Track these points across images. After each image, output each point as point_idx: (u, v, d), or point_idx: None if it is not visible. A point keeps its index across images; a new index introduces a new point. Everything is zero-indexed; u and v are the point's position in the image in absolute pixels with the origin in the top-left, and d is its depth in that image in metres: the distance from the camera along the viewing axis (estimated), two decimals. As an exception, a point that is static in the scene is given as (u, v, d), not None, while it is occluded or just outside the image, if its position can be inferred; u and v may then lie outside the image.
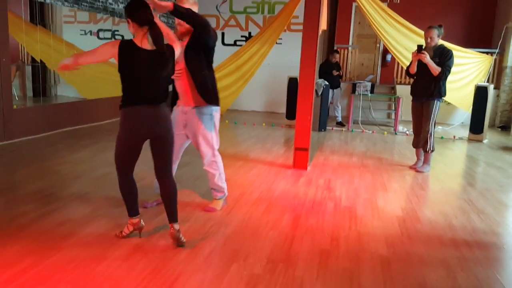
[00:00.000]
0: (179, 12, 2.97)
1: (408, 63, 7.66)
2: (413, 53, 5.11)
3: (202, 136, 3.37)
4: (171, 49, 2.79)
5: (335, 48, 10.60)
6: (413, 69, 5.16)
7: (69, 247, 2.79)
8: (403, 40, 7.74)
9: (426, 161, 5.31)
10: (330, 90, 8.54)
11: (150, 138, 2.81)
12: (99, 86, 8.29)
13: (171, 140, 2.86)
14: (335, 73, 8.69)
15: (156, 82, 2.73)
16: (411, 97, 5.35)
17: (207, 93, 3.28)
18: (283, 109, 9.45)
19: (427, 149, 5.21)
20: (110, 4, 7.89)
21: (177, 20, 3.16)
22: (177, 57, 2.89)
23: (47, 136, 6.48)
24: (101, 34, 10.66)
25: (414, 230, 3.40)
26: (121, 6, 8.21)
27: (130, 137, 2.78)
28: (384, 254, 2.92)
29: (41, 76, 9.09)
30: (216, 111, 3.41)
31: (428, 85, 5.04)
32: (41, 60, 8.52)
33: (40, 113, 6.66)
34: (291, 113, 8.58)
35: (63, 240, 2.88)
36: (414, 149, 5.51)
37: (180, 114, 3.39)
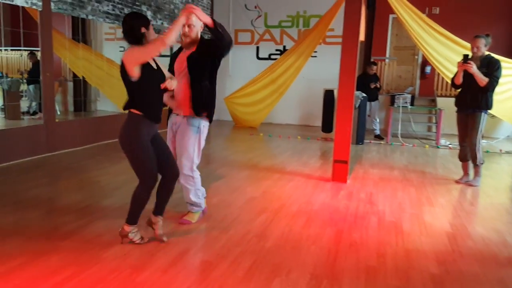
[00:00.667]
0: (216, 29, 3.01)
1: (449, 74, 7.48)
2: (458, 63, 4.91)
3: (185, 148, 3.27)
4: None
5: (371, 60, 10.41)
6: (459, 80, 4.95)
7: (109, 258, 2.77)
8: (444, 51, 7.49)
9: (476, 173, 5.06)
10: (368, 103, 8.35)
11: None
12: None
13: (124, 148, 2.90)
14: (372, 85, 8.50)
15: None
16: (454, 109, 5.13)
17: (199, 105, 3.22)
18: (318, 122, 9.32)
19: (477, 162, 4.97)
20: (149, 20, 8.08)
21: (183, 31, 3.17)
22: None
23: (87, 148, 6.62)
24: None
25: (466, 247, 3.18)
26: (159, 22, 8.39)
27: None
28: (436, 272, 2.73)
29: (82, 91, 9.41)
30: (204, 126, 3.32)
31: (475, 97, 4.82)
32: (82, 77, 8.80)
33: (81, 126, 6.83)
34: (327, 126, 8.44)
35: (103, 251, 2.87)
36: (460, 163, 5.25)
37: (173, 121, 3.38)
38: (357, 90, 8.29)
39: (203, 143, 3.37)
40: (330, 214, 3.82)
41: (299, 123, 10.84)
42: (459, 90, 5.09)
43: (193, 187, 3.39)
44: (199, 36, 3.24)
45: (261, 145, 7.74)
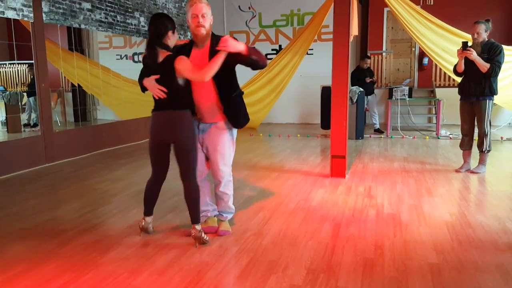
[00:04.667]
0: (251, 58, 2.83)
1: (447, 65, 7.44)
2: (458, 50, 4.88)
3: (221, 154, 3.09)
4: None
5: (368, 54, 10.39)
6: (460, 68, 4.92)
7: (105, 263, 2.77)
8: (440, 42, 7.45)
9: (481, 161, 5.04)
10: (365, 97, 8.33)
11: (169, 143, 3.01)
12: (135, 107, 8.48)
13: (188, 146, 2.91)
14: (368, 80, 8.48)
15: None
16: (453, 99, 5.11)
17: (233, 112, 3.08)
18: (317, 120, 9.29)
19: (483, 149, 4.95)
20: (143, 26, 8.10)
21: (196, 23, 2.88)
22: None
23: (87, 157, 6.64)
24: (136, 58, 11.00)
25: (465, 236, 3.16)
26: (153, 28, 8.42)
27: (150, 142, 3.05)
28: (434, 262, 2.71)
29: (80, 100, 9.43)
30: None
31: (478, 83, 4.79)
32: (79, 85, 8.83)
33: (79, 135, 6.86)
34: (326, 123, 8.41)
35: (100, 256, 2.87)
36: (461, 152, 5.21)
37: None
38: (352, 85, 8.28)
39: (235, 144, 3.24)
40: (328, 210, 3.81)
41: (298, 121, 10.82)
42: (461, 77, 5.05)
43: (231, 191, 3.26)
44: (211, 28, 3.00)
45: (260, 145, 7.74)
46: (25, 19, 5.63)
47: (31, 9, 5.66)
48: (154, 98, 2.95)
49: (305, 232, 3.26)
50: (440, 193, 4.30)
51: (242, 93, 3.24)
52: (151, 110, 3.00)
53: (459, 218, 3.55)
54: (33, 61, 5.90)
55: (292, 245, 3.01)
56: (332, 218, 3.58)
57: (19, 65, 9.12)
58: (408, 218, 3.55)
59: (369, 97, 8.54)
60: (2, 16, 5.29)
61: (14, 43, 5.87)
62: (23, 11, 5.55)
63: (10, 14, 5.38)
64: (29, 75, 8.78)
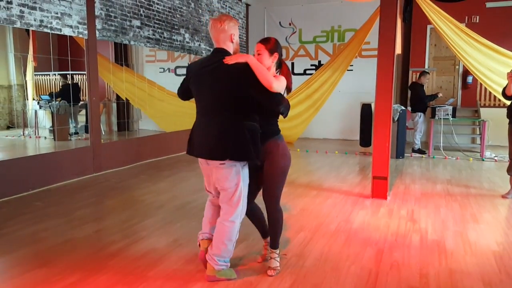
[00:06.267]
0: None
1: (493, 85, 7.26)
2: (508, 73, 4.79)
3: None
4: None
5: (410, 71, 10.26)
6: (510, 91, 4.84)
7: (153, 277, 2.87)
8: (486, 61, 7.28)
9: None
10: (422, 115, 8.27)
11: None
12: (177, 120, 8.72)
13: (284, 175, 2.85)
14: (430, 104, 8.49)
15: None
16: (498, 120, 4.99)
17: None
18: (356, 136, 9.22)
19: None
20: (187, 42, 8.36)
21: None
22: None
23: (131, 167, 6.88)
24: (178, 71, 11.35)
25: (515, 268, 3.07)
26: (197, 44, 8.66)
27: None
28: (482, 294, 2.65)
29: (125, 112, 9.81)
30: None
31: None
32: (127, 99, 9.19)
33: (124, 147, 7.12)
34: (365, 140, 8.35)
35: (148, 270, 2.98)
36: (508, 177, 5.05)
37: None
38: (417, 102, 8.24)
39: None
40: (370, 233, 3.78)
41: (336, 137, 10.77)
42: (511, 101, 4.94)
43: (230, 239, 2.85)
44: None
45: (298, 160, 7.76)
46: (80, 36, 5.95)
47: (86, 26, 5.98)
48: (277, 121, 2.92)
49: (347, 255, 3.26)
50: (486, 220, 4.18)
51: None
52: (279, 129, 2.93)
53: (506, 248, 3.45)
54: (81, 72, 6.16)
55: (334, 269, 3.02)
56: (374, 242, 3.56)
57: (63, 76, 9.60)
58: (453, 245, 3.48)
59: (422, 114, 8.34)
60: (59, 33, 5.61)
61: (57, 57, 6.22)
62: (78, 28, 5.87)
63: (67, 31, 5.71)
64: (59, 84, 9.38)
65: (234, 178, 2.69)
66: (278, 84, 2.55)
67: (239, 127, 2.62)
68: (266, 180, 2.82)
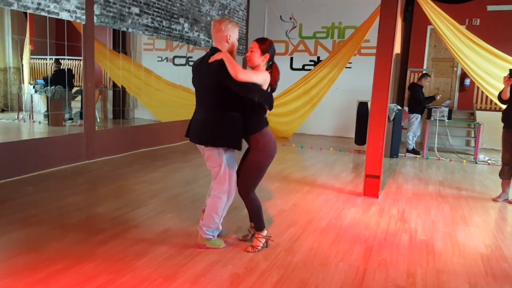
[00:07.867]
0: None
1: (490, 88, 7.26)
2: (504, 77, 4.79)
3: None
4: None
5: (408, 71, 10.26)
6: (506, 95, 4.84)
7: (141, 267, 2.87)
8: (485, 65, 7.28)
9: None
10: (419, 116, 8.29)
11: None
12: (173, 110, 8.69)
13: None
14: (429, 105, 8.51)
15: None
16: (493, 123, 5.01)
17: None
18: (351, 134, 9.24)
19: None
20: (186, 32, 8.30)
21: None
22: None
23: (124, 156, 6.85)
24: (177, 61, 11.28)
25: (500, 270, 3.09)
26: (196, 34, 8.60)
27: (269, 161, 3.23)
28: (468, 296, 2.67)
29: (121, 100, 9.74)
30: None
31: None
32: (122, 86, 9.13)
33: (119, 135, 7.08)
34: (360, 138, 8.35)
35: (137, 259, 2.98)
36: (500, 180, 5.08)
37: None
38: (411, 101, 8.26)
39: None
40: (360, 231, 3.80)
41: (332, 134, 10.78)
42: (506, 105, 4.95)
43: (218, 211, 3.24)
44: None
45: (293, 156, 7.76)
46: (78, 20, 5.89)
47: (84, 11, 5.91)
48: (263, 113, 3.14)
49: (336, 252, 3.27)
50: (475, 222, 4.20)
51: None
52: (264, 125, 3.13)
53: (494, 250, 3.47)
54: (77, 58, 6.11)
55: (323, 265, 3.03)
56: (364, 240, 3.57)
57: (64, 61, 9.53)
58: (441, 246, 3.50)
59: (419, 116, 8.37)
60: (56, 17, 5.55)
61: (53, 41, 6.16)
62: (76, 13, 5.81)
63: (64, 16, 5.65)
64: (52, 68, 9.38)
65: (217, 159, 3.08)
66: (243, 74, 2.84)
67: (219, 118, 3.00)
68: (243, 170, 3.16)
